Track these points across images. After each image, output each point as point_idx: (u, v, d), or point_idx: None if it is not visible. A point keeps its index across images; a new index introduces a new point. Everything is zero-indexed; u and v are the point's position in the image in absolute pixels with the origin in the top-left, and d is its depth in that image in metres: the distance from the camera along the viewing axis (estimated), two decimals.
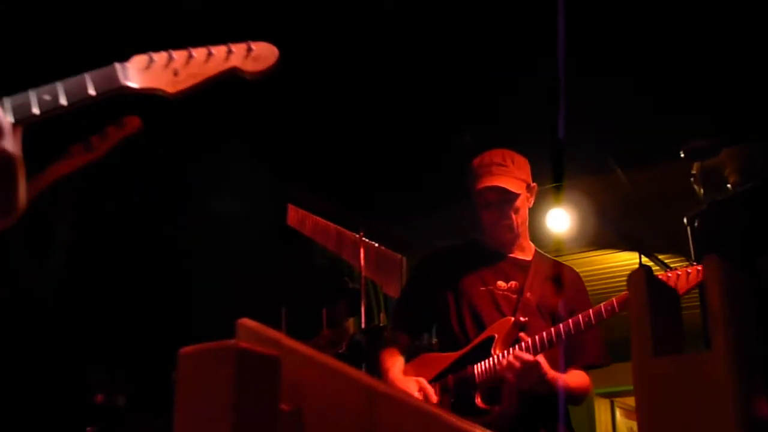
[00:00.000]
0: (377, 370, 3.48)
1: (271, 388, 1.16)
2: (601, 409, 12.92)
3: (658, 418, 0.84)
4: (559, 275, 3.43)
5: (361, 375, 1.30)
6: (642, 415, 0.86)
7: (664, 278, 3.05)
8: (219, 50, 1.88)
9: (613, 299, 3.07)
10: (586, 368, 3.34)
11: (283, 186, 6.69)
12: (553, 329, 3.13)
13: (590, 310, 3.09)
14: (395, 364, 3.41)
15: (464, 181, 3.50)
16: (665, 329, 0.88)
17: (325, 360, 1.32)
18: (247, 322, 1.35)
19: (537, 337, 3.13)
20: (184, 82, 1.85)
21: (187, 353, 1.16)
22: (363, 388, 1.26)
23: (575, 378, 3.27)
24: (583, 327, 3.08)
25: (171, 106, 1.91)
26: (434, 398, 3.21)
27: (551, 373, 3.12)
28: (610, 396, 12.91)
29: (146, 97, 1.86)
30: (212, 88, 1.87)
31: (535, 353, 3.10)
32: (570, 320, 3.11)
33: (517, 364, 3.08)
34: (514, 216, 3.39)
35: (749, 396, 0.85)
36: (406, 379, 3.29)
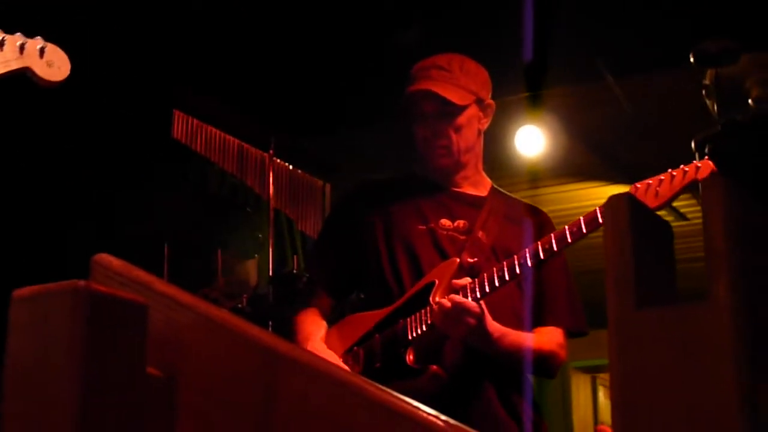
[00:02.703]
0: (289, 332, 3.47)
1: (135, 345, 1.14)
2: (580, 387, 13.19)
3: (637, 388, 0.85)
4: (523, 216, 3.44)
5: (258, 333, 1.29)
6: (616, 384, 0.87)
7: (643, 187, 3.07)
8: (10, 39, 2.39)
9: (580, 218, 3.07)
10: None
11: (168, 86, 6.61)
12: (506, 262, 3.12)
13: (551, 234, 3.10)
14: (315, 332, 3.39)
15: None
16: (652, 274, 0.89)
17: (211, 312, 1.31)
18: (105, 258, 1.33)
19: (485, 275, 3.12)
20: None
21: (22, 296, 1.14)
22: (261, 350, 1.25)
23: (540, 338, 3.27)
24: (543, 255, 3.07)
25: None
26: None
27: (494, 325, 3.11)
28: (592, 371, 13.18)
29: None
30: None
31: (483, 295, 3.09)
32: (527, 249, 3.10)
33: (447, 304, 3.07)
34: (453, 135, 3.37)
35: (757, 363, 0.86)
36: (331, 353, 3.27)
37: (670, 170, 3.02)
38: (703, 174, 2.94)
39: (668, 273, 0.94)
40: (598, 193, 8.49)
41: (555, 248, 3.07)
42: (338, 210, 3.86)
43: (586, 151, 7.64)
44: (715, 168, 2.92)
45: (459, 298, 3.07)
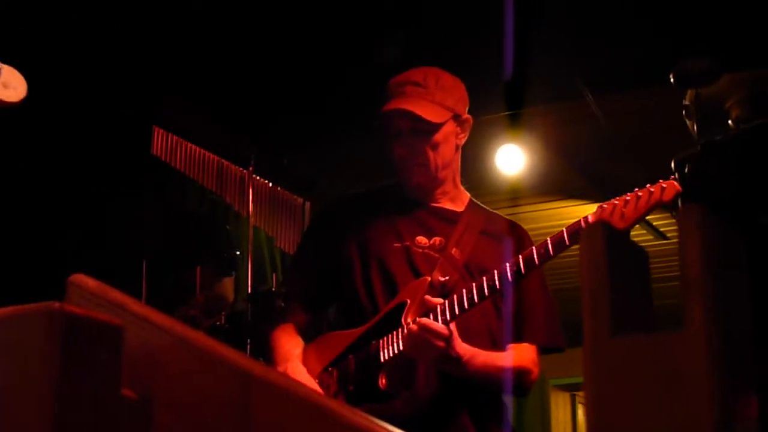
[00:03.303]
0: (266, 348, 3.46)
1: (110, 367, 1.14)
2: (560, 405, 13.18)
3: (612, 415, 0.84)
4: (501, 231, 3.41)
5: (234, 355, 1.29)
6: (592, 410, 0.87)
7: (609, 209, 3.05)
8: None
9: (563, 230, 3.02)
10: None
11: (148, 102, 6.60)
12: (475, 284, 3.08)
13: (532, 248, 3.06)
14: (292, 352, 3.36)
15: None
16: (628, 301, 0.89)
17: (187, 334, 1.31)
18: (81, 278, 1.33)
19: (455, 296, 3.08)
20: None
21: None
22: (237, 373, 1.25)
23: (513, 355, 3.22)
24: (524, 270, 3.03)
25: None
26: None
27: (463, 347, 3.08)
28: (571, 389, 13.18)
29: None
30: None
31: (453, 318, 3.06)
32: (495, 271, 3.07)
33: (415, 328, 3.05)
34: (430, 153, 3.32)
35: (732, 390, 0.86)
36: (308, 377, 3.24)
37: (636, 190, 3.00)
38: (668, 195, 2.93)
39: (644, 299, 0.94)
40: (578, 211, 8.51)
41: (536, 262, 3.03)
42: (315, 225, 3.84)
43: (566, 169, 7.66)
44: (680, 188, 2.92)
45: (427, 321, 3.04)
